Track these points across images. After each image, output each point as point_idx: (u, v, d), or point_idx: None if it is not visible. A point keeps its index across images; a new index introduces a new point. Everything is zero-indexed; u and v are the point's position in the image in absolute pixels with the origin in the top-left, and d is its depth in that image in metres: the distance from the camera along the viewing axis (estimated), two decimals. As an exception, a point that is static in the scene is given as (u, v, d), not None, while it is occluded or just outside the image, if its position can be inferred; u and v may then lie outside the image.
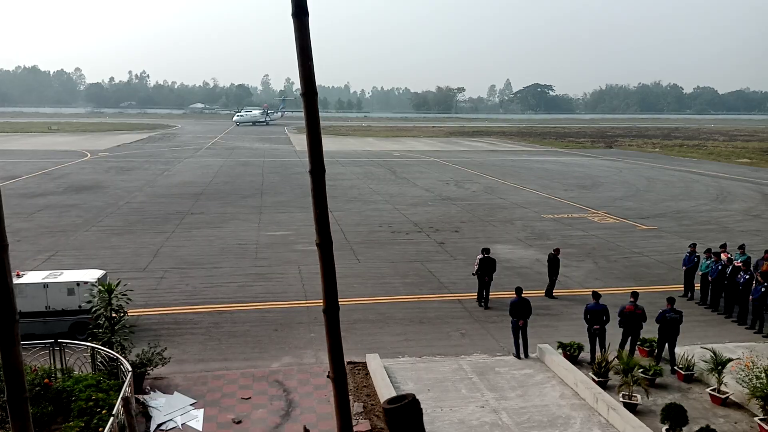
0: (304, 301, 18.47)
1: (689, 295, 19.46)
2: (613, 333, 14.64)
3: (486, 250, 18.87)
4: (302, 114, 3.45)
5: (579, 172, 56.26)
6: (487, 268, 18.31)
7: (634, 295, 14.89)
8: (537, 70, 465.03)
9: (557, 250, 19.73)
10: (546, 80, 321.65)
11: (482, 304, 18.25)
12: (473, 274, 18.70)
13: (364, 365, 13.92)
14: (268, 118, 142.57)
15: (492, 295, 18.55)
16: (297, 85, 3.51)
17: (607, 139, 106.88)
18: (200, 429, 11.35)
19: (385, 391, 12.18)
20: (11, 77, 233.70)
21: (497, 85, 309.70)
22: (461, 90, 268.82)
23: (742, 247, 19.66)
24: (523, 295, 14.99)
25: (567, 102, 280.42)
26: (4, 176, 45.35)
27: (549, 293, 19.28)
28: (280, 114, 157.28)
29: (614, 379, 13.14)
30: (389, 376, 12.96)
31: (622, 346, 14.47)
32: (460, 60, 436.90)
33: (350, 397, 12.27)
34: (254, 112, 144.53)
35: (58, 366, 12.19)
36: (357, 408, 12.07)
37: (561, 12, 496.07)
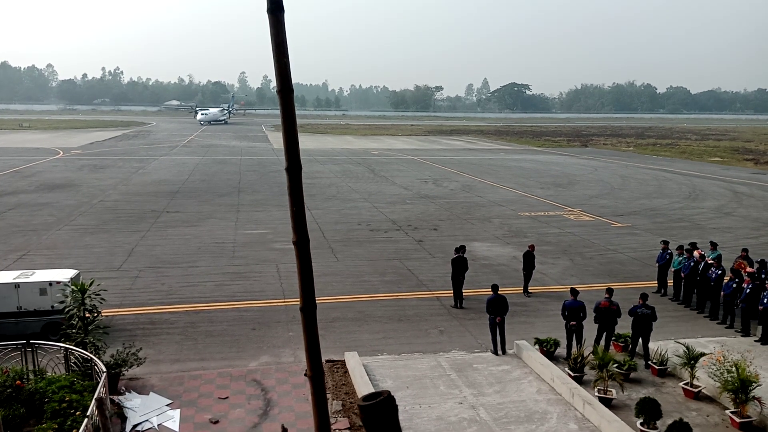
0: (282, 300, 18.38)
1: (663, 291, 19.81)
2: (589, 329, 14.84)
3: (459, 249, 18.84)
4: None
5: (555, 170, 56.87)
6: (459, 267, 18.31)
7: (609, 291, 15.11)
8: (514, 70, 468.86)
9: (532, 247, 19.90)
10: (523, 80, 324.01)
11: (458, 305, 18.17)
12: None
13: (343, 363, 13.90)
14: (227, 117, 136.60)
15: (469, 292, 18.66)
16: (274, 82, 3.49)
17: (582, 138, 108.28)
18: (176, 429, 11.22)
19: (363, 389, 12.18)
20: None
21: (475, 84, 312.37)
22: (439, 89, 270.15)
23: (713, 244, 20.09)
24: (500, 292, 15.11)
25: (543, 101, 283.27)
26: (-28, 174, 44.23)
27: (526, 290, 19.45)
28: (228, 112, 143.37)
29: (590, 374, 13.32)
30: (368, 374, 12.97)
31: (597, 341, 14.68)
32: (438, 59, 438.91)
33: (329, 396, 12.25)
34: (213, 110, 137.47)
35: (31, 367, 11.97)
36: (336, 406, 12.06)
37: (538, 12, 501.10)
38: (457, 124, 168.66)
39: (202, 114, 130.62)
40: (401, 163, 60.59)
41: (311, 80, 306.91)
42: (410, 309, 18.01)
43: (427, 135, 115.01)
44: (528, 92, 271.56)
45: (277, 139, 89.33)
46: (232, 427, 11.39)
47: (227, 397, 12.42)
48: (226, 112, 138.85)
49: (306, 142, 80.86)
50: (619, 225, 31.17)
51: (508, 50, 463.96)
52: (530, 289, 19.55)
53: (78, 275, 15.81)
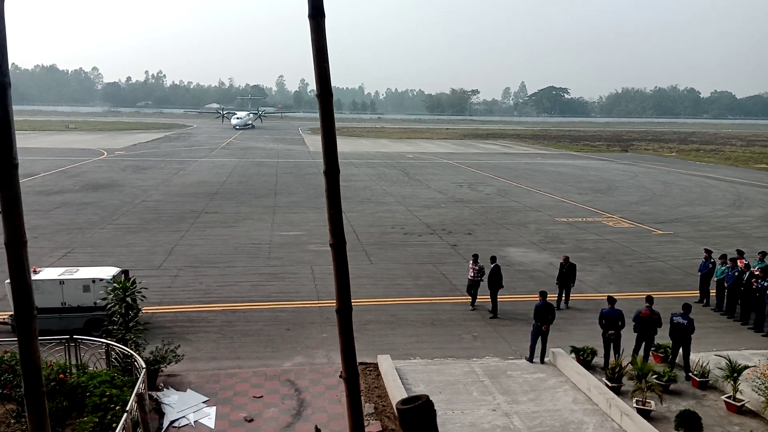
0: (317, 302, 18.52)
1: (705, 301, 19.23)
2: (627, 338, 14.50)
3: (494, 259, 18.33)
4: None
5: (594, 175, 55.86)
6: (497, 278, 17.83)
7: (650, 299, 14.73)
8: (552, 73, 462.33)
9: (566, 259, 19.05)
10: (561, 83, 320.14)
11: (493, 314, 17.74)
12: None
13: (376, 366, 13.92)
14: (252, 122, 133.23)
15: (504, 298, 18.43)
16: (311, 86, 3.54)
17: (622, 143, 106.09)
18: (212, 426, 11.41)
19: (396, 393, 12.17)
20: (30, 76, 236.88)
21: (512, 87, 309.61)
22: (475, 92, 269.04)
23: (762, 254, 19.38)
24: (548, 299, 14.81)
25: (582, 105, 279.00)
26: (22, 173, 45.83)
27: (566, 302, 18.82)
28: (258, 117, 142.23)
29: (628, 384, 13.01)
30: (400, 378, 12.95)
31: (636, 351, 14.33)
32: (475, 62, 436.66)
33: (362, 398, 12.27)
34: (241, 114, 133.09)
35: (74, 362, 12.31)
36: (368, 409, 12.07)
37: (577, 15, 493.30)
38: (493, 127, 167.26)
39: (237, 119, 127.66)
40: (436, 167, 60.40)
41: (348, 84, 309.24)
42: (443, 314, 17.92)
43: (462, 138, 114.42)
44: (566, 96, 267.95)
45: (313, 142, 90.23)
46: (266, 426, 11.51)
47: (262, 396, 12.57)
48: (252, 116, 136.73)
49: (341, 145, 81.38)
50: (661, 232, 30.40)
51: (546, 53, 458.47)
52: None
53: (120, 273, 16.22)
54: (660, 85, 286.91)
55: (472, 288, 18.28)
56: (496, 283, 17.77)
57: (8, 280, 2.78)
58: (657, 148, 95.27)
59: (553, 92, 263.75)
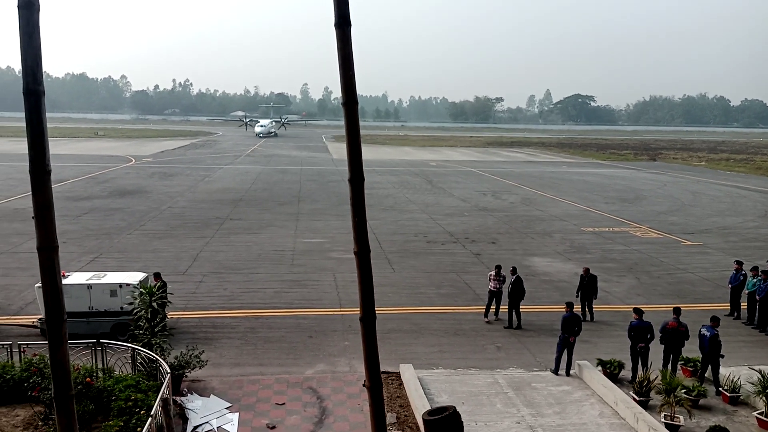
0: (339, 309, 18.53)
1: (736, 314, 18.77)
2: (655, 351, 14.20)
3: (515, 270, 18.00)
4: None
5: (621, 184, 55.09)
6: (519, 289, 17.50)
7: (677, 311, 14.43)
8: (578, 81, 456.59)
9: (586, 270, 18.74)
10: (587, 91, 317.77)
11: (513, 324, 17.50)
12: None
13: (398, 375, 13.85)
14: (275, 131, 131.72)
15: (528, 309, 18.22)
16: (335, 94, 3.55)
17: (650, 152, 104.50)
18: (235, 433, 11.46)
19: (418, 402, 12.09)
20: (60, 84, 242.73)
21: (537, 95, 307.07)
22: (500, 100, 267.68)
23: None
24: (574, 311, 14.58)
25: (609, 113, 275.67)
26: (52, 179, 46.98)
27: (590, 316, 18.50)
28: (281, 124, 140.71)
29: (656, 398, 12.74)
30: (423, 388, 12.86)
31: (665, 364, 14.03)
32: (499, 70, 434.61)
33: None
34: (264, 122, 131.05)
35: (100, 365, 12.49)
36: (390, 418, 12.00)
37: (603, 20, 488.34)
38: (517, 135, 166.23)
39: (260, 126, 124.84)
40: (459, 175, 60.20)
41: (371, 92, 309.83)
42: (467, 323, 17.78)
43: (486, 147, 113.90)
44: (593, 104, 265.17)
45: (336, 150, 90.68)
46: (288, 433, 11.52)
47: (284, 404, 12.59)
48: (275, 124, 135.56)
49: (364, 152, 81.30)
50: (690, 243, 29.80)
51: (572, 60, 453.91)
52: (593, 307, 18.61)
53: (146, 278, 16.44)
54: (689, 93, 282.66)
55: (493, 298, 18.02)
56: (517, 294, 17.45)
57: (38, 285, 2.83)
58: (686, 157, 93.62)
59: (579, 100, 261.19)
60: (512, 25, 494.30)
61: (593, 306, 18.50)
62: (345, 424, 11.87)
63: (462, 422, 3.43)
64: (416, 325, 17.51)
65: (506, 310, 17.72)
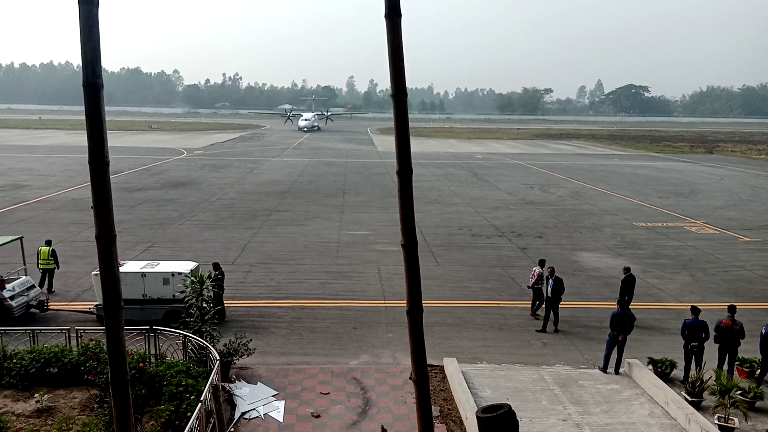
0: (383, 301, 18.59)
1: (798, 314, 17.90)
2: (710, 351, 13.69)
3: (553, 269, 17.17)
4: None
5: (675, 178, 53.23)
6: (560, 289, 16.70)
7: (732, 309, 13.85)
8: (631, 71, 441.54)
9: (626, 270, 17.84)
10: (641, 81, 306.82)
11: (547, 329, 16.77)
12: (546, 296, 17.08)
13: (442, 369, 13.81)
14: (318, 124, 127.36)
15: (575, 304, 17.84)
16: (380, 86, 3.53)
17: (707, 144, 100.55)
18: (281, 420, 11.67)
19: (462, 397, 12.02)
20: (116, 78, 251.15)
21: (587, 86, 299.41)
22: (548, 91, 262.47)
23: None
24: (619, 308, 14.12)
25: (664, 104, 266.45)
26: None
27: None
28: (325, 117, 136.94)
29: (709, 400, 12.30)
30: (467, 382, 12.77)
31: (720, 365, 13.51)
32: (548, 60, 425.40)
33: (427, 400, 12.19)
34: (308, 116, 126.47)
35: (152, 351, 12.90)
36: (433, 412, 11.99)
37: (658, 8, 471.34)
38: (567, 127, 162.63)
39: (304, 120, 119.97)
40: (506, 168, 59.37)
41: (417, 84, 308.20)
42: (512, 318, 17.56)
43: (534, 139, 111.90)
44: (647, 94, 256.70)
45: (381, 143, 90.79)
46: (333, 422, 11.66)
47: (328, 393, 12.74)
48: (318, 117, 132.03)
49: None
50: (748, 240, 28.56)
51: (624, 50, 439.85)
52: (638, 305, 17.76)
53: (197, 267, 16.89)
54: (748, 84, 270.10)
55: (536, 295, 17.62)
56: (557, 295, 16.60)
57: (95, 272, 2.92)
58: (745, 150, 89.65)
59: (632, 90, 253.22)
60: (563, 14, 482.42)
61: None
62: (388, 415, 11.92)
63: (517, 420, 3.38)
64: (460, 318, 17.41)
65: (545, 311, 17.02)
